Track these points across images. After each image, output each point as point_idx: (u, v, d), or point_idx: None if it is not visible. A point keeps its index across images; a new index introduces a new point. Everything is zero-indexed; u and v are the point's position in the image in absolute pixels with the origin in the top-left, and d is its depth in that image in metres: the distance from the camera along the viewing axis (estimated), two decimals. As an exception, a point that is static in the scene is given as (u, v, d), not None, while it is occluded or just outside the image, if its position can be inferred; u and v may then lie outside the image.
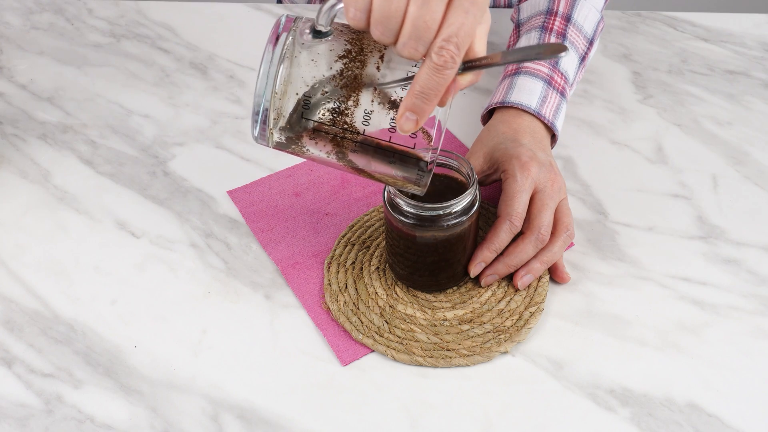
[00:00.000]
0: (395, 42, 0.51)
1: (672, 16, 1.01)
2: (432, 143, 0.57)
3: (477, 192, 0.66)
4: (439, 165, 0.68)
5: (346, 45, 0.56)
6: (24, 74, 0.94)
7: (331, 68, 0.56)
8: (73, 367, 0.66)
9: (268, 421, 0.63)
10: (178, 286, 0.72)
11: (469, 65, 0.53)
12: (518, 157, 0.71)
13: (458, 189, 0.67)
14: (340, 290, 0.70)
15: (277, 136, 0.58)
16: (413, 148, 0.57)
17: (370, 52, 0.56)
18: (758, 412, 0.62)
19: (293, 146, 0.58)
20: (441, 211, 0.64)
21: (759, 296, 0.70)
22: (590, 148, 0.84)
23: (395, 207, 0.65)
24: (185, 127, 0.88)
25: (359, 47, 0.56)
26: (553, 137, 0.78)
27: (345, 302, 0.69)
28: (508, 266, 0.69)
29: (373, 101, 0.56)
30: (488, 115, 0.80)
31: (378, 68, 0.55)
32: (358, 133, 0.56)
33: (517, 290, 0.70)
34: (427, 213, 0.64)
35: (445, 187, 0.68)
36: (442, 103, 0.54)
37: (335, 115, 0.56)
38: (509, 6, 1.04)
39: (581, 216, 0.77)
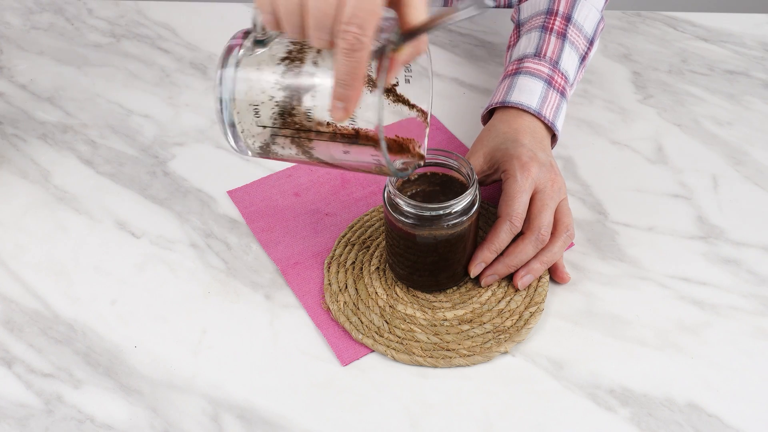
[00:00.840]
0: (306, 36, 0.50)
1: (672, 16, 1.01)
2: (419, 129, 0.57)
3: (477, 192, 0.66)
4: (439, 165, 0.68)
5: (288, 47, 0.56)
6: (24, 74, 0.94)
7: (274, 72, 0.56)
8: (73, 367, 0.66)
9: (268, 421, 0.63)
10: (178, 286, 0.72)
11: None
12: (518, 158, 0.71)
13: (458, 189, 0.67)
14: (340, 290, 0.70)
15: (252, 146, 0.59)
16: (362, 131, 0.55)
17: (309, 48, 0.56)
18: (758, 412, 0.62)
19: (269, 153, 0.59)
20: (441, 211, 0.64)
21: (759, 296, 0.70)
22: (590, 148, 0.84)
23: (395, 207, 0.65)
24: (185, 127, 0.88)
25: (299, 46, 0.56)
26: (554, 137, 0.78)
27: (345, 302, 0.69)
28: (508, 266, 0.69)
29: (314, 96, 0.55)
30: (488, 115, 0.80)
31: (315, 63, 0.55)
32: (309, 130, 0.57)
33: (517, 290, 0.70)
34: (427, 213, 0.64)
35: (445, 187, 0.68)
36: (387, 84, 0.52)
37: (285, 117, 0.57)
38: (509, 6, 1.04)
39: (581, 216, 0.77)
